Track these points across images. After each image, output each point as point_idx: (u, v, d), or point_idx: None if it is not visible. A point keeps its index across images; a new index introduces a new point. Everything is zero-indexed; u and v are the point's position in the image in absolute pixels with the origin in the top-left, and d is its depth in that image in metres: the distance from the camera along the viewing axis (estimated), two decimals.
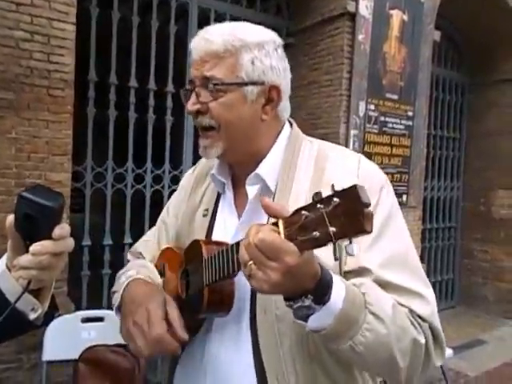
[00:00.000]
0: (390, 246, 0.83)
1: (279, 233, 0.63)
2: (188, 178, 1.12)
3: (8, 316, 0.72)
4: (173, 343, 0.81)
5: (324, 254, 0.80)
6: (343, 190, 0.57)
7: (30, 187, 0.69)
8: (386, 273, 0.80)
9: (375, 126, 3.91)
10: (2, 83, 2.33)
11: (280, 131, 0.94)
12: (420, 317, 0.80)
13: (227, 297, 0.83)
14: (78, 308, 2.72)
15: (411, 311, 0.80)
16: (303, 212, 0.60)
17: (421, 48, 4.15)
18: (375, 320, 0.73)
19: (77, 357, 2.42)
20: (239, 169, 0.95)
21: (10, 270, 0.74)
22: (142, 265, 1.03)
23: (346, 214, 0.56)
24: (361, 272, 0.80)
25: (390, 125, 4.02)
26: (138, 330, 0.82)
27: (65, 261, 0.75)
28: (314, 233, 0.58)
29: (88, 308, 2.77)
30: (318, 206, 0.58)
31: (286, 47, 3.65)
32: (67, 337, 2.34)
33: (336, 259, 0.60)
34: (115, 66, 3.15)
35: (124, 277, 0.98)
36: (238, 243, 0.71)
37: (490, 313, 5.36)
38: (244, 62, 0.86)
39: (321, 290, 0.69)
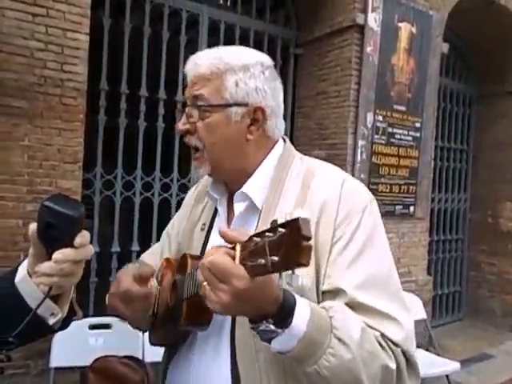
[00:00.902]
0: (369, 267, 0.82)
1: (235, 256, 0.64)
2: (191, 195, 1.16)
3: (29, 321, 0.74)
4: (139, 289, 0.88)
5: (301, 274, 0.80)
6: (289, 221, 0.58)
7: (52, 196, 0.71)
8: (361, 295, 0.79)
9: (383, 137, 3.92)
10: (16, 92, 2.38)
11: (271, 149, 0.96)
12: (392, 341, 0.79)
13: (205, 313, 0.83)
14: (85, 315, 2.73)
15: (383, 335, 0.79)
16: (255, 238, 0.62)
17: (429, 60, 4.17)
18: (340, 345, 0.73)
19: (84, 363, 2.44)
20: (231, 186, 0.98)
21: (30, 276, 0.76)
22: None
23: (287, 244, 0.57)
24: (336, 293, 0.81)
25: (398, 136, 4.03)
26: (112, 296, 0.90)
27: (82, 268, 0.76)
28: (259, 260, 0.59)
29: (95, 315, 2.79)
30: (267, 234, 0.60)
31: (295, 58, 3.70)
32: (75, 343, 2.36)
33: (280, 287, 0.62)
34: (126, 76, 3.20)
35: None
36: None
37: (497, 326, 5.30)
38: (229, 84, 0.89)
39: (282, 314, 0.70)
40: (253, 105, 0.90)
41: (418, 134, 4.17)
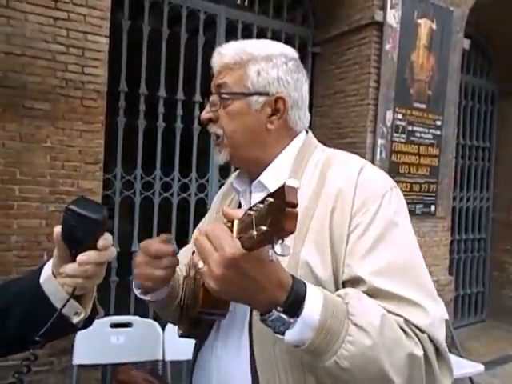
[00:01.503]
0: (389, 252, 0.79)
1: (232, 230, 0.64)
2: (217, 196, 1.18)
3: (54, 320, 0.76)
4: (168, 246, 0.88)
5: (317, 265, 0.80)
6: (276, 190, 0.57)
7: (76, 200, 0.73)
8: (378, 280, 0.76)
9: (403, 136, 3.87)
10: (39, 94, 2.42)
11: (292, 140, 0.96)
12: (417, 327, 0.74)
13: (221, 300, 0.82)
14: (106, 314, 2.77)
15: (406, 321, 0.74)
16: (248, 212, 0.61)
17: (449, 56, 4.10)
18: (359, 332, 0.69)
19: (105, 361, 2.48)
20: (251, 176, 0.98)
21: (55, 276, 0.79)
22: None
23: (273, 213, 0.56)
24: (355, 281, 0.78)
25: (418, 134, 3.97)
26: (139, 264, 0.90)
27: (105, 269, 0.78)
28: (251, 231, 0.58)
29: (116, 314, 2.82)
30: (257, 205, 0.59)
31: (313, 56, 3.68)
32: (97, 341, 2.40)
33: (271, 260, 0.61)
34: (145, 77, 3.23)
35: None
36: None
37: None
38: (251, 73, 0.91)
39: (292, 301, 0.67)
40: (274, 94, 0.91)
41: (438, 132, 4.10)
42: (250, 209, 0.62)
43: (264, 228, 0.56)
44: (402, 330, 0.73)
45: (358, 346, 0.69)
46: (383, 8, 3.66)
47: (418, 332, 0.74)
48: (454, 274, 4.89)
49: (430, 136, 4.04)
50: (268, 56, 0.92)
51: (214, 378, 0.91)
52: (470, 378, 3.10)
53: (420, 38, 3.87)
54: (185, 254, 1.15)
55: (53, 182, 2.50)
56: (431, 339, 0.75)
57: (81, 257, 0.73)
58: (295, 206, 0.55)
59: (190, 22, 3.48)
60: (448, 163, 4.24)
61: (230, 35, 3.67)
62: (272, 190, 0.89)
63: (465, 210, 5.23)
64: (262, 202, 0.60)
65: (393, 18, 3.69)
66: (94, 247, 0.73)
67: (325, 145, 1.02)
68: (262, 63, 0.91)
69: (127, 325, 2.51)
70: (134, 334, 2.49)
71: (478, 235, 5.45)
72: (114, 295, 3.09)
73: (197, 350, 1.00)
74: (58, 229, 0.74)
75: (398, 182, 3.68)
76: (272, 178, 0.92)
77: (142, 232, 3.24)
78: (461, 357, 3.24)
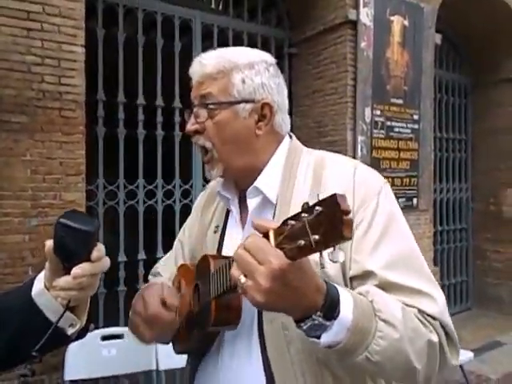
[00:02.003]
0: (394, 247, 0.83)
1: (270, 242, 0.64)
2: (201, 198, 1.17)
3: (49, 333, 0.76)
4: (169, 315, 0.88)
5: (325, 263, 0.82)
6: (324, 199, 0.58)
7: (66, 213, 0.73)
8: (390, 274, 0.80)
9: (382, 131, 3.93)
10: (15, 107, 2.37)
11: (279, 144, 0.97)
12: (430, 315, 0.80)
13: (234, 310, 0.84)
14: (96, 327, 2.72)
15: (420, 311, 0.79)
16: (289, 222, 0.62)
17: (423, 52, 4.18)
18: (387, 326, 0.73)
19: (98, 375, 2.44)
20: (242, 184, 0.98)
21: (48, 289, 0.78)
22: (156, 281, 1.07)
23: (326, 221, 0.57)
24: (365, 276, 0.81)
25: (397, 129, 4.04)
26: (138, 316, 0.90)
27: (98, 279, 0.78)
28: (299, 241, 0.59)
29: (105, 326, 2.78)
30: (303, 215, 0.60)
31: (290, 57, 3.70)
32: (88, 355, 2.35)
33: (322, 267, 0.60)
34: (123, 85, 3.20)
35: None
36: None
37: (506, 313, 5.30)
38: (235, 82, 0.91)
39: (330, 305, 0.69)
40: (260, 101, 0.92)
41: (416, 126, 4.18)
42: (289, 219, 0.62)
43: (317, 237, 0.57)
44: (418, 319, 0.77)
45: (387, 340, 0.72)
46: (356, 7, 3.72)
47: (431, 320, 0.79)
48: (439, 265, 4.98)
49: (408, 130, 4.11)
50: (250, 63, 0.93)
51: None
52: (461, 366, 3.16)
53: (393, 35, 3.94)
54: (167, 268, 1.13)
55: (34, 195, 2.45)
56: (442, 325, 0.80)
57: (75, 270, 0.72)
58: (349, 212, 0.57)
59: (165, 27, 3.47)
60: (427, 156, 4.32)
61: (206, 39, 3.67)
62: (268, 194, 0.91)
63: (445, 202, 5.34)
64: (305, 211, 0.60)
65: (366, 16, 3.74)
66: (88, 259, 0.73)
67: (307, 145, 1.03)
68: (245, 71, 0.92)
69: (118, 336, 2.47)
70: (126, 345, 2.45)
71: (460, 225, 5.57)
72: (103, 307, 3.05)
73: (195, 364, 0.98)
74: (49, 242, 0.73)
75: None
76: (267, 182, 0.93)
77: (127, 242, 3.21)
78: None
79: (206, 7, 3.78)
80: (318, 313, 0.68)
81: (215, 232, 1.02)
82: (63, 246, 0.71)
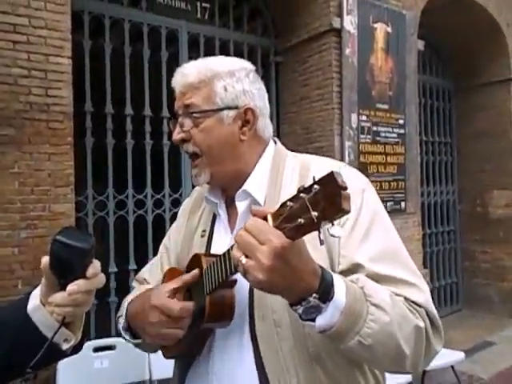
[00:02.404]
0: (380, 241, 0.87)
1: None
2: (187, 203, 1.18)
3: (42, 347, 0.76)
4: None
5: (316, 259, 0.84)
6: (322, 178, 0.62)
7: (63, 230, 0.74)
8: (377, 266, 0.83)
9: (368, 136, 3.98)
10: (2, 120, 2.37)
11: (264, 149, 1.00)
12: (415, 303, 0.83)
13: (228, 306, 0.86)
14: (88, 338, 2.70)
15: (406, 299, 0.82)
16: (288, 203, 0.65)
17: (406, 58, 4.26)
18: (378, 310, 0.76)
19: None
20: (229, 188, 1.00)
21: (43, 305, 0.78)
22: (143, 288, 1.07)
23: (325, 198, 0.60)
24: (354, 269, 0.84)
25: (383, 134, 4.09)
26: (161, 323, 0.88)
27: (93, 295, 0.79)
28: (299, 220, 0.62)
29: (97, 337, 2.76)
30: (301, 195, 0.63)
31: (276, 65, 3.73)
32: (80, 368, 2.33)
33: (321, 243, 0.62)
34: (110, 96, 3.21)
35: (126, 302, 1.06)
36: (232, 246, 0.75)
37: (495, 313, 5.37)
38: (218, 90, 0.94)
39: (325, 287, 0.71)
40: (242, 107, 0.95)
41: (402, 131, 4.24)
42: (287, 201, 0.65)
43: (317, 213, 0.60)
44: (405, 306, 0.81)
45: (378, 324, 0.75)
46: (340, 15, 3.78)
47: (417, 307, 0.82)
48: (428, 267, 5.03)
49: (394, 135, 4.17)
50: (230, 71, 0.96)
51: None
52: (452, 367, 3.19)
53: (377, 42, 4.01)
54: (153, 272, 1.14)
55: (23, 208, 2.44)
56: (427, 313, 0.83)
57: (70, 286, 0.73)
58: (346, 188, 0.60)
59: (151, 38, 3.49)
60: (413, 160, 4.39)
61: (193, 49, 3.70)
62: (256, 197, 0.93)
63: (433, 205, 5.41)
64: (302, 191, 0.63)
65: (350, 23, 3.81)
66: (83, 275, 0.74)
67: (295, 151, 1.06)
68: (226, 79, 0.94)
69: (110, 347, 2.46)
70: (118, 356, 2.44)
71: (448, 228, 5.64)
72: (94, 318, 3.03)
73: (184, 368, 0.98)
74: (45, 259, 0.74)
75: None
76: (255, 186, 0.95)
77: (118, 252, 3.20)
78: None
79: (192, 17, 3.81)
80: (314, 294, 0.70)
81: (202, 236, 1.03)
82: (59, 263, 0.72)
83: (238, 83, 0.95)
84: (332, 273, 0.76)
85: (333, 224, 0.61)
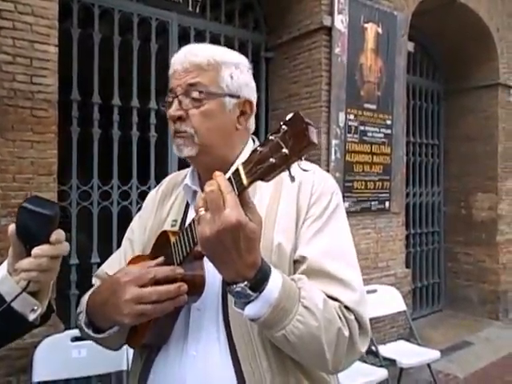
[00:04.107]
0: (329, 238, 0.93)
1: (240, 176, 0.69)
2: (153, 196, 1.18)
3: (7, 317, 0.80)
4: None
5: (288, 245, 0.90)
6: (289, 119, 0.65)
7: (29, 198, 0.79)
8: (320, 262, 0.89)
9: (355, 136, 4.01)
10: None
11: (247, 142, 1.04)
12: (347, 307, 0.87)
13: (198, 277, 0.87)
14: (67, 328, 2.70)
15: (340, 305, 0.86)
16: (258, 149, 0.67)
17: (396, 58, 4.29)
18: (307, 313, 0.80)
19: (67, 376, 2.42)
20: (209, 175, 1.00)
21: (10, 275, 0.82)
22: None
23: (294, 135, 0.64)
24: (301, 261, 0.90)
25: (370, 134, 4.12)
26: (138, 297, 0.83)
27: (59, 264, 0.83)
28: (271, 160, 0.65)
29: (77, 327, 2.76)
30: (271, 137, 0.66)
31: (266, 61, 3.73)
32: (57, 357, 2.33)
33: (292, 180, 0.66)
34: (98, 86, 3.19)
35: (86, 296, 1.04)
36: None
37: (475, 314, 5.46)
38: (224, 76, 0.97)
39: (259, 279, 0.75)
40: (243, 97, 0.99)
41: (389, 131, 4.28)
42: (254, 151, 0.68)
43: (286, 151, 0.64)
44: (337, 313, 0.85)
45: (305, 325, 0.80)
46: (331, 13, 3.79)
47: (347, 315, 0.87)
48: (411, 267, 5.09)
49: (381, 135, 4.20)
50: (236, 63, 1.00)
51: (189, 377, 0.91)
52: (429, 365, 3.25)
53: (367, 42, 4.04)
54: (115, 266, 1.10)
55: (4, 195, 2.42)
56: (357, 317, 0.88)
57: (35, 250, 0.77)
58: (312, 125, 0.64)
59: (141, 29, 3.47)
60: (399, 160, 4.43)
61: (183, 42, 3.68)
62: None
63: (418, 205, 5.46)
64: (272, 134, 0.66)
65: (340, 22, 3.82)
66: (48, 242, 0.78)
67: None
68: (232, 68, 0.98)
69: (82, 332, 2.45)
70: (96, 346, 2.41)
71: (432, 229, 5.70)
72: (75, 308, 3.02)
73: (149, 357, 0.97)
74: (12, 226, 0.79)
75: (353, 181, 3.86)
76: None
77: (101, 243, 3.19)
78: (419, 345, 3.39)
79: (183, 9, 3.79)
80: (246, 282, 0.74)
81: (173, 226, 1.03)
82: (25, 229, 0.77)
83: (241, 74, 0.99)
84: (273, 269, 0.79)
85: (301, 160, 0.64)
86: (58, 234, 0.79)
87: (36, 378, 2.25)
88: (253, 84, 1.03)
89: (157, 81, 3.48)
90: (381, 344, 3.38)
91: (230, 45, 3.91)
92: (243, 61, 1.03)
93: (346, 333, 0.85)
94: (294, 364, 0.89)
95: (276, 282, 0.77)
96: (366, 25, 4.01)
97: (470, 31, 5.25)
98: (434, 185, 5.74)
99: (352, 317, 0.87)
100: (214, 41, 3.81)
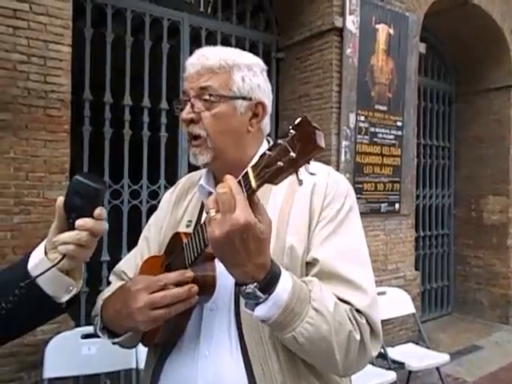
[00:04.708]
0: (343, 241, 0.93)
1: (249, 179, 0.70)
2: (169, 196, 1.19)
3: (42, 302, 0.82)
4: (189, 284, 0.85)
5: (300, 247, 0.91)
6: (297, 123, 0.66)
7: (83, 172, 0.83)
8: (332, 263, 0.89)
9: (366, 137, 3.99)
10: None
11: (261, 144, 1.05)
12: (359, 311, 0.86)
13: (209, 278, 0.88)
14: (77, 324, 2.73)
15: (351, 308, 0.86)
16: (266, 152, 0.68)
17: (407, 60, 4.27)
18: (317, 315, 0.80)
19: (77, 373, 2.45)
20: (218, 176, 1.02)
21: (46, 253, 0.84)
22: (119, 284, 1.06)
23: (301, 139, 0.65)
24: (313, 263, 0.91)
25: (380, 135, 4.11)
26: (150, 304, 0.84)
27: (95, 245, 0.84)
28: (279, 163, 0.66)
29: (87, 324, 2.79)
30: (279, 141, 0.67)
31: (277, 62, 3.73)
32: (68, 354, 2.36)
33: (300, 184, 0.67)
34: (110, 85, 3.22)
35: (100, 300, 1.04)
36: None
37: (485, 318, 5.41)
38: (236, 79, 0.97)
39: (268, 281, 0.75)
40: (255, 100, 1.00)
41: (399, 133, 4.26)
42: (263, 155, 0.69)
43: (293, 155, 0.65)
44: (348, 316, 0.85)
45: (315, 327, 0.80)
46: (343, 14, 3.78)
47: (358, 318, 0.86)
48: (421, 270, 5.06)
49: (391, 137, 4.18)
50: (248, 65, 1.00)
51: (201, 377, 0.91)
52: (437, 369, 3.23)
53: (379, 43, 4.02)
54: (133, 264, 1.12)
55: (17, 193, 2.45)
56: (368, 321, 0.88)
57: (79, 221, 0.80)
58: (320, 129, 0.66)
59: (153, 29, 3.49)
60: (410, 162, 4.40)
61: (194, 42, 3.70)
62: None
63: (428, 208, 5.42)
64: (280, 138, 0.67)
65: (352, 23, 3.81)
66: (91, 217, 0.80)
67: None
68: (245, 70, 0.98)
69: (99, 335, 2.48)
70: (105, 343, 2.42)
71: (442, 231, 5.66)
72: (85, 306, 3.05)
73: (163, 355, 0.98)
74: (60, 198, 0.82)
75: (363, 182, 3.85)
76: None
77: (111, 241, 3.21)
78: (428, 348, 3.37)
79: (195, 10, 3.81)
80: (256, 283, 0.75)
81: (188, 226, 1.04)
82: (73, 200, 0.80)
83: (254, 77, 1.00)
84: (284, 271, 0.80)
85: (309, 163, 0.66)
86: (102, 210, 0.81)
87: (47, 374, 2.28)
88: (267, 85, 1.03)
89: (167, 81, 3.50)
90: (389, 346, 3.36)
91: (241, 45, 3.94)
92: (257, 62, 1.03)
93: (358, 336, 0.85)
94: (306, 367, 0.89)
95: (286, 285, 0.78)
96: (377, 26, 4.00)
97: (483, 33, 5.20)
98: (444, 187, 5.69)
99: (363, 320, 0.87)
100: (226, 41, 3.82)
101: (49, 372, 2.29)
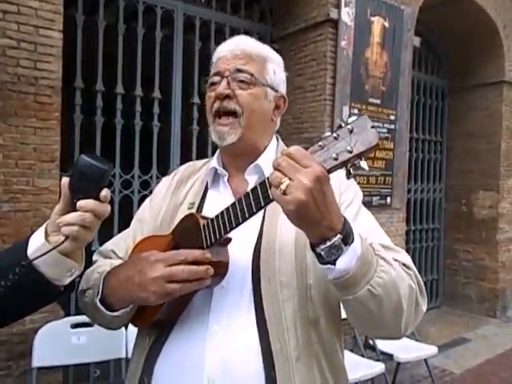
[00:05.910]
0: (367, 220, 1.00)
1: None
2: (167, 181, 1.18)
3: (35, 284, 0.80)
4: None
5: None
6: (355, 120, 0.71)
7: (89, 153, 0.82)
8: (369, 237, 0.88)
9: None
10: None
11: (272, 137, 1.11)
12: (406, 265, 0.90)
13: (223, 263, 0.89)
14: (67, 314, 2.72)
15: (399, 263, 0.89)
16: (319, 143, 0.72)
17: (401, 53, 4.26)
18: (386, 263, 0.82)
19: (66, 362, 2.44)
20: (240, 161, 1.05)
21: (47, 235, 0.83)
22: (116, 262, 1.05)
23: (358, 134, 0.69)
24: None
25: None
26: (165, 277, 0.85)
27: (98, 227, 0.83)
28: (334, 155, 0.70)
29: (77, 314, 2.77)
30: (334, 134, 0.71)
31: None
32: (57, 342, 2.35)
33: (348, 178, 0.72)
34: (101, 73, 3.18)
35: (97, 273, 1.00)
36: (254, 188, 0.79)
37: (473, 312, 5.48)
38: (269, 69, 1.06)
39: (347, 230, 0.75)
40: (280, 93, 1.08)
41: (392, 127, 4.26)
42: (316, 142, 0.73)
43: (349, 148, 0.69)
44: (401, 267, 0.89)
45: (387, 274, 0.80)
46: (338, 6, 3.76)
47: (408, 270, 0.90)
48: None
49: (384, 130, 4.19)
50: (278, 60, 1.09)
51: (209, 352, 0.90)
52: (425, 360, 3.26)
53: (373, 36, 4.01)
54: (124, 245, 1.12)
55: (6, 180, 2.42)
56: (415, 275, 0.91)
57: (81, 202, 0.79)
58: (375, 127, 0.70)
59: (146, 17, 3.45)
60: (402, 156, 4.41)
61: (188, 31, 3.66)
62: (267, 172, 0.92)
63: (419, 201, 5.46)
64: (332, 132, 0.71)
65: (347, 15, 3.79)
66: (97, 198, 0.79)
67: (286, 142, 1.13)
68: (275, 64, 1.07)
69: (88, 324, 2.47)
70: (95, 333, 2.45)
71: (432, 225, 5.71)
72: (75, 295, 3.03)
73: (160, 337, 0.95)
74: (66, 179, 0.81)
75: (355, 176, 3.83)
76: (266, 164, 1.00)
77: (102, 230, 3.18)
78: (416, 341, 3.40)
79: None
80: (339, 235, 0.74)
81: (190, 208, 1.05)
82: (79, 180, 0.79)
83: (281, 73, 1.08)
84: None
85: (361, 159, 0.70)
86: (107, 192, 0.80)
87: (35, 363, 2.27)
88: (285, 83, 1.10)
89: (161, 70, 3.46)
90: (378, 338, 3.39)
91: (235, 35, 3.88)
92: (281, 60, 1.11)
93: (414, 285, 0.87)
94: (320, 346, 0.92)
95: (357, 236, 0.78)
96: (372, 18, 3.98)
97: (477, 28, 5.21)
98: (435, 181, 5.73)
99: (412, 272, 0.90)
100: (220, 31, 3.79)
101: (38, 361, 2.27)
